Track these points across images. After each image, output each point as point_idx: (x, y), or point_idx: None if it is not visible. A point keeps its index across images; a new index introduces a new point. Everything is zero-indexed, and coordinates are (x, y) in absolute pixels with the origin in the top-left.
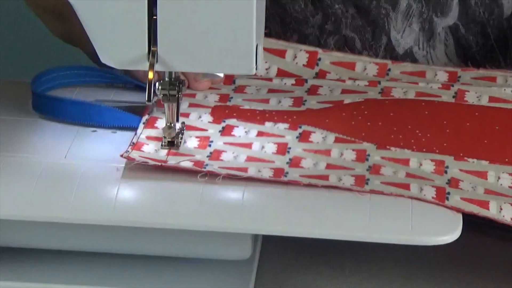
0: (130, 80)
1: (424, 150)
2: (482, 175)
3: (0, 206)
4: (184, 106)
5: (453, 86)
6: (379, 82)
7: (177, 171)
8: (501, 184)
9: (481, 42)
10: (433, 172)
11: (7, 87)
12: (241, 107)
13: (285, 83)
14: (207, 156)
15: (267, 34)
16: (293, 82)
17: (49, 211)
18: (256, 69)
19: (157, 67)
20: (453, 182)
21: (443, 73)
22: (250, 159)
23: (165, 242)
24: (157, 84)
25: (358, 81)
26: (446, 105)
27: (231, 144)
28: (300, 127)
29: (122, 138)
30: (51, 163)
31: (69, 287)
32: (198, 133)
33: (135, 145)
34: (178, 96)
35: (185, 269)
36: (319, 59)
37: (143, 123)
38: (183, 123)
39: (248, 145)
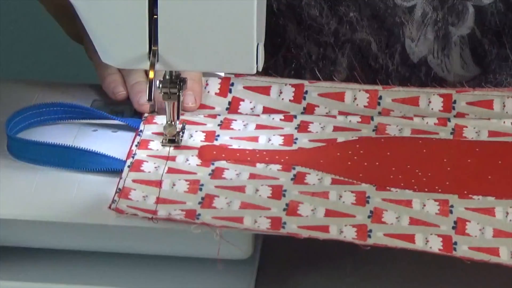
0: (107, 115)
1: (426, 190)
2: (490, 211)
3: (1, 205)
4: (170, 148)
5: (449, 121)
6: (372, 118)
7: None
8: (510, 220)
9: (496, 51)
10: (438, 214)
11: (7, 86)
12: (229, 147)
13: (273, 118)
14: (199, 203)
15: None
16: (282, 117)
17: (49, 211)
18: (257, 68)
19: (158, 67)
20: (460, 225)
21: (437, 97)
22: (245, 205)
23: (166, 241)
24: (157, 82)
25: (349, 116)
26: (444, 143)
27: (223, 187)
28: (294, 168)
29: (123, 138)
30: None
31: (69, 287)
32: (186, 176)
33: (122, 192)
34: (178, 94)
35: (185, 268)
36: (306, 92)
37: (128, 167)
38: (184, 122)
39: (241, 189)
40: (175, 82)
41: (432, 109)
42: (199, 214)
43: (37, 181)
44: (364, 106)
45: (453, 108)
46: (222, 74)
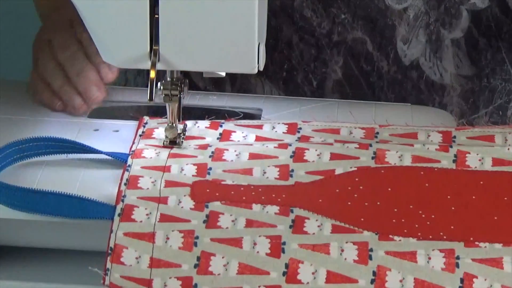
0: (92, 149)
1: (430, 237)
2: (497, 263)
3: (1, 205)
4: (161, 186)
5: (451, 147)
6: (370, 145)
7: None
8: None
9: (491, 55)
10: (444, 269)
11: (8, 87)
12: (222, 183)
13: (267, 146)
14: (195, 266)
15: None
16: (276, 145)
17: None
18: (258, 68)
19: (159, 66)
20: (467, 284)
21: (436, 133)
22: (242, 269)
23: None
24: (159, 84)
25: (347, 143)
26: (447, 174)
27: (219, 241)
28: (292, 212)
29: (124, 137)
30: (52, 162)
31: (69, 287)
32: (180, 225)
33: (114, 253)
34: (179, 96)
35: None
36: (300, 128)
37: (118, 215)
38: (185, 123)
39: (238, 243)
40: (176, 84)
41: (431, 141)
42: (196, 285)
43: (38, 181)
44: (361, 138)
45: (453, 142)
46: (223, 74)
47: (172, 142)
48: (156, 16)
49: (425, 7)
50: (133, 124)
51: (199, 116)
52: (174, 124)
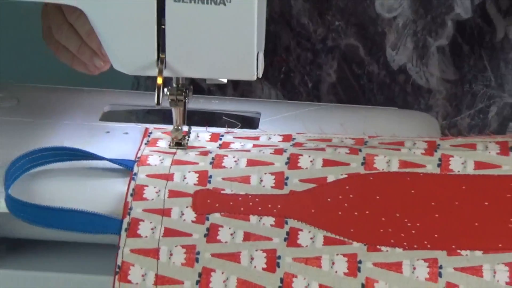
0: (98, 156)
1: (415, 246)
2: (477, 271)
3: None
4: (165, 196)
5: (436, 151)
6: (360, 150)
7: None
8: (497, 281)
9: (473, 62)
10: (428, 279)
11: (26, 90)
12: (222, 192)
13: (263, 152)
14: (197, 283)
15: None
16: (272, 151)
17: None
18: (257, 75)
19: (166, 73)
20: None
21: (422, 142)
22: (241, 285)
23: None
24: (165, 89)
25: (338, 148)
26: (432, 179)
27: (219, 256)
28: (287, 223)
29: (135, 139)
30: (60, 170)
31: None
32: (182, 240)
33: (121, 271)
34: (185, 101)
35: None
36: (294, 138)
37: (125, 230)
38: (189, 126)
39: (237, 258)
40: (181, 90)
41: (418, 147)
42: None
43: (47, 192)
44: (351, 144)
45: (438, 148)
46: (225, 80)
47: (178, 144)
48: (162, 26)
49: (413, 16)
50: (141, 127)
51: (201, 119)
52: (179, 127)
